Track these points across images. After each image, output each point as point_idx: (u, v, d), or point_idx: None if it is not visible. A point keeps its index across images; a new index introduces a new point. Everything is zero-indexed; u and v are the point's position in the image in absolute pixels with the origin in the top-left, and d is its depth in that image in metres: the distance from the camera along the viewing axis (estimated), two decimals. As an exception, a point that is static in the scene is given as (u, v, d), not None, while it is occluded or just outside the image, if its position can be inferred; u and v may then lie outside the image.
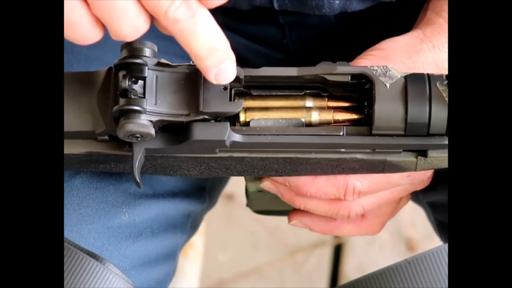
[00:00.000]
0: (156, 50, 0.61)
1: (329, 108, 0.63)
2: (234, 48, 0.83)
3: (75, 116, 0.61)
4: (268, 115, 0.63)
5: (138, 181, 0.61)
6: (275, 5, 0.73)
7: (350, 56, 0.67)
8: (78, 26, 0.56)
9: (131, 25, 0.56)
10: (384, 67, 0.61)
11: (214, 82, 0.58)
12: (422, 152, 0.63)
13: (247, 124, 0.62)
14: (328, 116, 0.62)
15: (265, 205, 0.78)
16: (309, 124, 0.62)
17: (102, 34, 0.57)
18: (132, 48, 0.59)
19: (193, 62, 0.58)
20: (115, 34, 0.56)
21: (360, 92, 0.63)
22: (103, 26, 0.57)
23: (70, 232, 0.68)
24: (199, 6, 0.55)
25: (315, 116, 0.62)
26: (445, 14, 0.67)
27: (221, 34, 0.56)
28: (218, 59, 0.57)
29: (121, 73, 0.59)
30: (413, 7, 0.72)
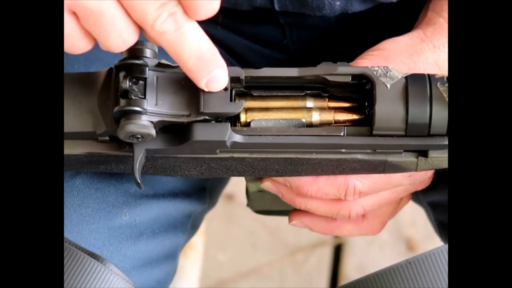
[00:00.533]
0: (156, 51, 0.61)
1: (330, 108, 0.63)
2: (234, 48, 0.83)
3: (76, 117, 0.61)
4: (269, 116, 0.63)
5: (139, 181, 0.61)
6: (276, 6, 0.73)
7: (350, 56, 0.67)
8: (68, 38, 0.57)
9: (119, 37, 0.56)
10: (385, 68, 0.61)
11: (206, 90, 0.58)
12: (422, 153, 0.63)
13: (247, 124, 0.62)
14: (329, 116, 0.62)
15: (265, 205, 0.78)
16: (310, 125, 0.62)
17: (93, 45, 0.58)
18: (132, 49, 0.59)
19: None
20: (104, 46, 0.57)
21: (360, 93, 0.63)
22: (93, 37, 0.57)
23: (71, 232, 0.68)
24: (186, 19, 0.56)
25: (315, 117, 0.62)
26: (445, 14, 0.67)
27: (209, 44, 0.57)
28: (206, 69, 0.57)
29: (121, 74, 0.59)
30: (414, 8, 0.72)
